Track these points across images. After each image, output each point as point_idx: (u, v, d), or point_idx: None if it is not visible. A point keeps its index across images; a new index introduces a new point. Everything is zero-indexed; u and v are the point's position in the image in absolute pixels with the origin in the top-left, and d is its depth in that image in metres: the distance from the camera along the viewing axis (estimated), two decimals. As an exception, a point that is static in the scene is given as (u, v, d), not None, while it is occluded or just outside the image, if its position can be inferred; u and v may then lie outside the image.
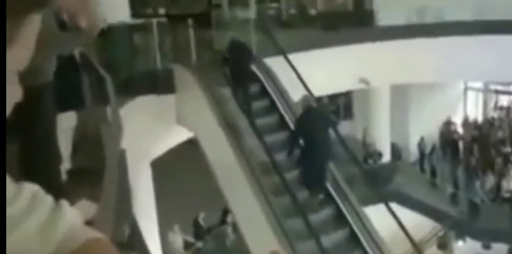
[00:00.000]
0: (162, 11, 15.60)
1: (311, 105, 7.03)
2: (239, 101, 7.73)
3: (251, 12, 12.72)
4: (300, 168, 6.85)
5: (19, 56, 0.60)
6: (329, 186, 6.95)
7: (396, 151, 14.38)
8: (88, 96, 3.18)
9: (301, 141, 6.77)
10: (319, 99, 10.21)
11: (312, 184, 6.81)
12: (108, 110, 3.40)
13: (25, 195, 0.71)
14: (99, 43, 6.34)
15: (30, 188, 0.73)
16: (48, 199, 0.74)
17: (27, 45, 0.60)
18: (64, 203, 0.75)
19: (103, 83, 3.48)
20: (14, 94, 0.60)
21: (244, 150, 6.65)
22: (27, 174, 2.59)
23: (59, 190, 2.77)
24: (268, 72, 8.43)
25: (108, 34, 7.25)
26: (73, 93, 3.07)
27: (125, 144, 4.06)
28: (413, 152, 15.08)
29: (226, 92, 7.74)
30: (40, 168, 2.72)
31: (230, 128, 6.94)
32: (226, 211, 11.11)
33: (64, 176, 3.38)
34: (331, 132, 7.13)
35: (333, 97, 16.74)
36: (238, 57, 7.83)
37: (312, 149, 6.60)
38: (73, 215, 0.74)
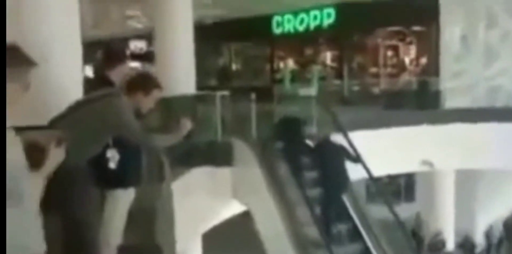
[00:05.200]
0: (226, 83, 16.18)
1: (326, 137, 7.53)
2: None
3: (313, 89, 12.85)
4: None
5: None
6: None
7: (464, 241, 13.36)
8: (145, 175, 3.19)
9: None
10: (378, 179, 9.84)
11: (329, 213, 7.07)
12: (164, 187, 3.38)
13: None
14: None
15: None
16: None
17: None
18: None
19: (161, 165, 3.51)
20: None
21: (299, 234, 6.35)
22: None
23: None
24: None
25: (174, 105, 7.46)
26: (133, 172, 3.07)
27: (178, 215, 3.98)
28: (479, 242, 14.02)
29: (285, 169, 7.60)
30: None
31: (286, 209, 6.71)
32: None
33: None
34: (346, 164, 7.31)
35: (394, 177, 16.18)
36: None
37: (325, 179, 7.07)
38: None
